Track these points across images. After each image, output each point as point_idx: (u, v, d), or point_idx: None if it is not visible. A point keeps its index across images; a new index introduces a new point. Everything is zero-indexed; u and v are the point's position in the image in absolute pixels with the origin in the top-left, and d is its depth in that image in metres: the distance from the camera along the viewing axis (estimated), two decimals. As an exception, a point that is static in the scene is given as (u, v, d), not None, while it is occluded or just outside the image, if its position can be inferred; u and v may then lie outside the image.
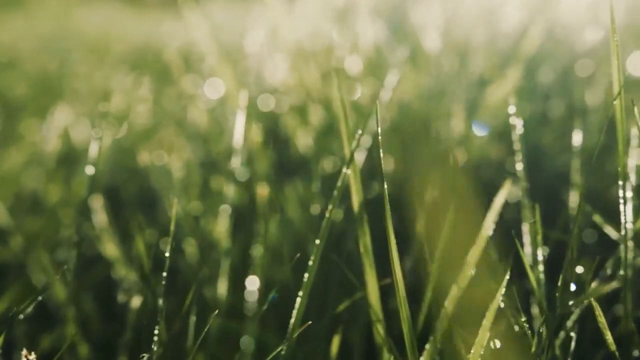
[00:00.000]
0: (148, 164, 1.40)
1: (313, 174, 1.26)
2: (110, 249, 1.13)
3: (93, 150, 0.88)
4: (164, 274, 0.67)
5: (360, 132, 0.67)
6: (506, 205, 1.27)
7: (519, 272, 0.74)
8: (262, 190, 0.85)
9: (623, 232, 0.66)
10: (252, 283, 0.75)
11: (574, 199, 0.82)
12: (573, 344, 0.63)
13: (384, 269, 0.71)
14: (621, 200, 0.65)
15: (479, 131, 1.17)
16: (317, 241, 0.66)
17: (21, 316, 0.67)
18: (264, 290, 0.76)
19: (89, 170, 0.89)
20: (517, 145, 0.74)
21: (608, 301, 0.83)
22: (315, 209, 1.00)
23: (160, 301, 0.67)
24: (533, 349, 0.63)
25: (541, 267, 0.66)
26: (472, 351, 0.61)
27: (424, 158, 1.33)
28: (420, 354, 0.65)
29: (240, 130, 0.88)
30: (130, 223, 1.28)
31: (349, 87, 1.40)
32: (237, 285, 1.03)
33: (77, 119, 1.85)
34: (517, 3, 1.74)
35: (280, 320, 0.90)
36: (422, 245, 0.90)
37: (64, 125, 1.71)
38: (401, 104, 1.37)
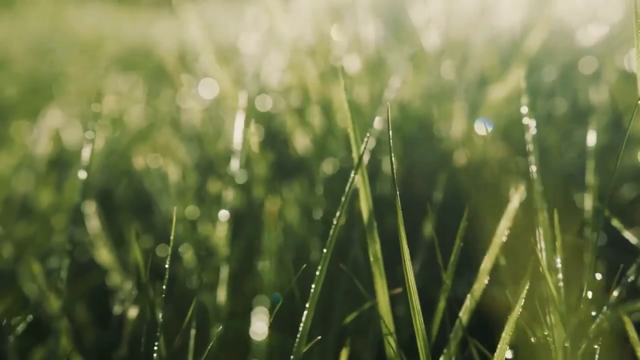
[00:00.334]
0: (142, 167, 1.36)
1: (314, 176, 1.23)
2: (104, 255, 1.09)
3: (86, 153, 0.85)
4: (164, 286, 0.63)
5: (368, 135, 0.63)
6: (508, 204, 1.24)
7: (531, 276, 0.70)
8: (271, 207, 0.82)
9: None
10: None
11: (587, 201, 0.79)
12: (597, 357, 0.60)
13: (387, 273, 0.68)
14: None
15: (484, 127, 1.13)
16: (324, 250, 0.63)
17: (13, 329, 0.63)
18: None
19: (82, 174, 0.85)
20: (530, 147, 0.71)
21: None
22: (317, 213, 0.96)
23: (160, 315, 0.64)
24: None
25: (560, 275, 0.63)
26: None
27: (426, 158, 1.30)
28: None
29: (239, 132, 0.85)
30: (125, 228, 1.24)
31: (349, 86, 1.37)
32: (237, 293, 0.99)
33: (68, 121, 1.81)
34: (517, 1, 1.71)
35: (286, 325, 0.86)
36: (434, 250, 0.87)
37: (55, 128, 1.67)
38: (402, 104, 1.33)
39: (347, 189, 0.62)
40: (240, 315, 0.89)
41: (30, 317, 0.64)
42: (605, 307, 0.62)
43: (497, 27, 1.57)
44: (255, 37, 1.67)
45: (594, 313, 0.62)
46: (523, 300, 0.58)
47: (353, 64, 1.38)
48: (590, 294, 0.68)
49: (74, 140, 1.70)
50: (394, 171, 0.59)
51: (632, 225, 1.02)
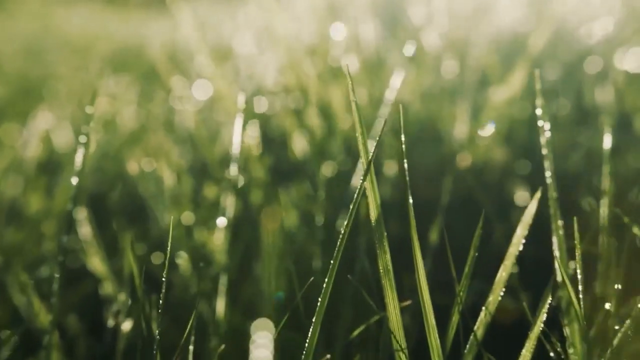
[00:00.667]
0: (136, 170, 1.32)
1: (313, 179, 1.19)
2: (96, 263, 1.05)
3: (77, 157, 0.81)
4: (160, 301, 0.60)
5: (377, 139, 0.60)
6: (516, 208, 1.21)
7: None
8: (270, 220, 0.78)
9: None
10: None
11: (603, 207, 0.76)
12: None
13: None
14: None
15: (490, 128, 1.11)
16: (331, 262, 0.59)
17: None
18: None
19: (74, 180, 0.81)
20: (544, 150, 0.68)
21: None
22: (319, 219, 0.93)
23: (157, 332, 0.60)
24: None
25: (580, 287, 0.60)
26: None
27: (428, 161, 1.27)
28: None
29: (237, 135, 0.81)
30: (118, 234, 1.20)
31: (347, 86, 1.33)
32: (235, 301, 0.95)
33: (58, 123, 1.76)
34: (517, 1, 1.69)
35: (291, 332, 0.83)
36: (440, 255, 0.84)
37: (45, 130, 1.63)
38: (403, 105, 1.30)
39: (355, 196, 0.59)
40: (240, 328, 0.85)
41: (19, 333, 0.60)
42: (628, 320, 0.59)
43: (499, 25, 1.54)
44: (250, 36, 1.64)
45: (616, 327, 0.58)
46: (544, 315, 0.54)
47: (352, 64, 1.35)
48: (608, 305, 0.65)
49: (64, 142, 1.66)
50: (407, 180, 0.55)
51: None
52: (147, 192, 1.26)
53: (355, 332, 0.67)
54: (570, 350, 0.57)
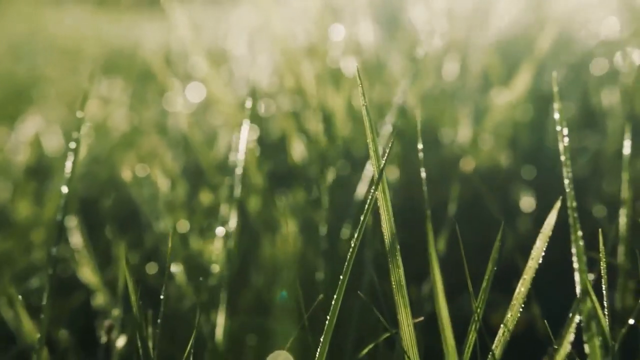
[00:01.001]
0: (128, 176, 1.28)
1: (311, 184, 1.16)
2: (87, 273, 1.01)
3: (67, 163, 0.77)
4: (158, 320, 0.56)
5: (390, 146, 0.56)
6: (521, 215, 1.18)
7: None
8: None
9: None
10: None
11: (622, 217, 0.72)
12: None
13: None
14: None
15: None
16: (341, 277, 0.55)
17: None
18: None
19: (64, 189, 0.77)
20: (563, 158, 0.64)
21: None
22: (322, 228, 0.89)
23: (154, 353, 0.56)
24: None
25: (606, 303, 0.57)
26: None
27: (430, 165, 1.23)
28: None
29: (243, 142, 0.77)
30: (110, 242, 1.15)
31: (346, 90, 1.29)
32: (235, 312, 0.92)
33: (48, 127, 1.72)
34: (517, 1, 1.66)
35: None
36: (447, 263, 0.80)
37: (34, 133, 1.59)
38: (404, 108, 1.27)
39: (366, 207, 0.55)
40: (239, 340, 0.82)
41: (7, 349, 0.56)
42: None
43: (500, 27, 1.50)
44: (245, 38, 1.60)
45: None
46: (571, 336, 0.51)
47: (351, 67, 1.31)
48: (632, 321, 0.62)
49: (54, 146, 1.61)
50: (425, 192, 0.52)
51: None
52: (140, 198, 1.21)
53: (364, 351, 0.63)
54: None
